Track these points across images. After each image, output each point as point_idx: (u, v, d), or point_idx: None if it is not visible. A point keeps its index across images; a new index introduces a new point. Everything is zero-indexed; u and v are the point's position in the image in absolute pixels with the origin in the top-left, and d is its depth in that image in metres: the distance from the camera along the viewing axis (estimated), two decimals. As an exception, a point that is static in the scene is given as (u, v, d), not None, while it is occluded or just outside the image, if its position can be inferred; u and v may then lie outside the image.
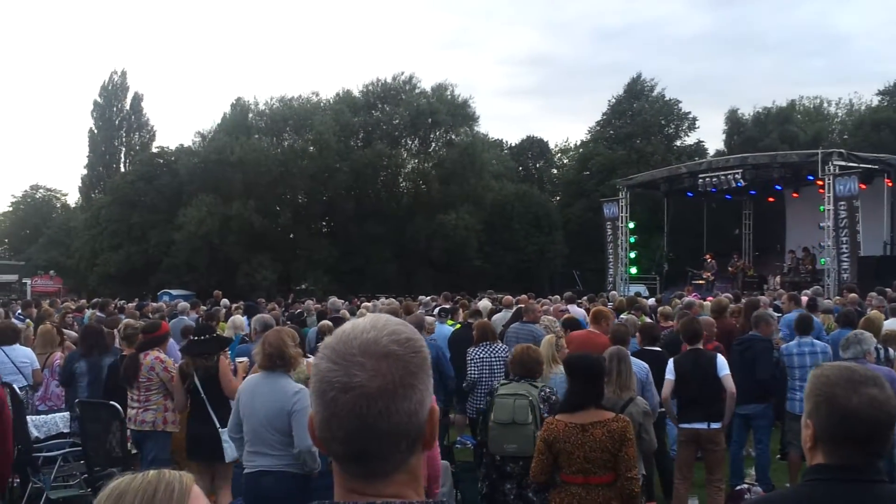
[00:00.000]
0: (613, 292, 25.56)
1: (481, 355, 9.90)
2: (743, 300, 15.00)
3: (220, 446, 7.51)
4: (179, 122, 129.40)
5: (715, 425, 8.19)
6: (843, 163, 26.53)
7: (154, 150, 58.38)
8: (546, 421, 5.81)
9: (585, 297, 19.64)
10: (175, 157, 51.60)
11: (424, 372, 1.61)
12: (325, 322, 11.98)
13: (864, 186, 25.91)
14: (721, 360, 8.33)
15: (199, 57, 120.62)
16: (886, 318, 11.90)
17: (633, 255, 35.10)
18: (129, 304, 22.36)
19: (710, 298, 14.95)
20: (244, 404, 6.34)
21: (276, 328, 7.29)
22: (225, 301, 20.39)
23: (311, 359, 8.90)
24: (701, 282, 30.76)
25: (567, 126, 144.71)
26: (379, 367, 1.55)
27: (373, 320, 1.63)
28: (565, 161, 63.71)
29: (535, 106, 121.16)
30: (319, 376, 1.58)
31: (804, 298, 14.52)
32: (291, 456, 6.11)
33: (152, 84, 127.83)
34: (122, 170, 60.70)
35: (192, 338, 8.52)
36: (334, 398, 1.54)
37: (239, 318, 12.84)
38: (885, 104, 48.55)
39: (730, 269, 31.57)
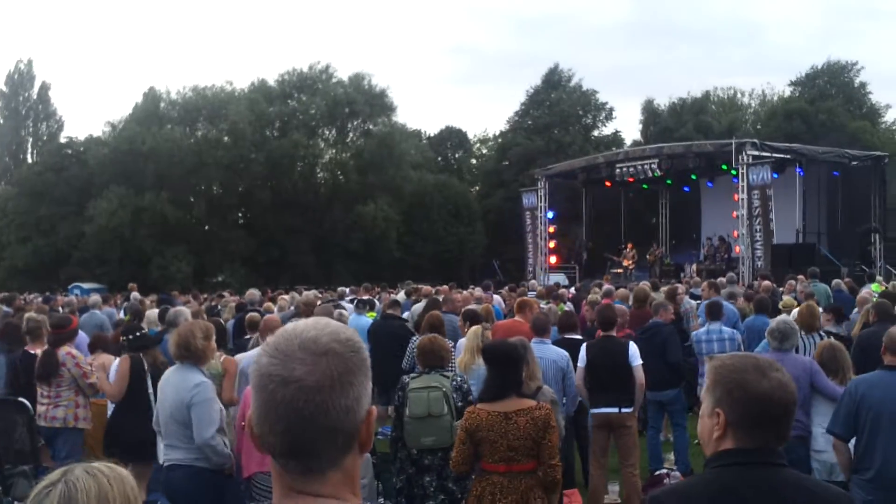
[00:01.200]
0: (533, 282, 25.70)
1: None
2: (662, 288, 15.24)
3: (154, 447, 7.01)
4: (89, 111, 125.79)
5: (626, 410, 8.26)
6: (756, 152, 27.07)
7: (63, 140, 56.62)
8: (467, 410, 5.76)
9: (507, 287, 19.72)
10: (84, 147, 50.15)
11: (363, 373, 1.66)
12: (253, 314, 11.77)
13: (776, 175, 26.49)
14: (633, 349, 8.37)
15: (110, 45, 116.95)
16: (798, 305, 12.13)
17: (552, 244, 35.30)
18: (38, 299, 21.73)
19: (632, 286, 15.07)
20: (159, 396, 6.35)
21: (189, 321, 7.15)
22: (135, 294, 19.91)
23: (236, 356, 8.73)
24: (619, 270, 31.16)
25: (487, 116, 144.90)
26: (318, 362, 1.59)
27: (314, 321, 1.69)
28: (484, 151, 63.87)
29: (455, 95, 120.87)
30: (260, 371, 1.62)
31: (739, 286, 14.82)
32: (198, 449, 5.98)
33: (60, 73, 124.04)
34: (30, 161, 58.94)
35: (130, 334, 8.26)
36: (273, 391, 1.58)
37: (153, 313, 12.57)
38: (797, 95, 49.72)
39: (648, 257, 32.09)
